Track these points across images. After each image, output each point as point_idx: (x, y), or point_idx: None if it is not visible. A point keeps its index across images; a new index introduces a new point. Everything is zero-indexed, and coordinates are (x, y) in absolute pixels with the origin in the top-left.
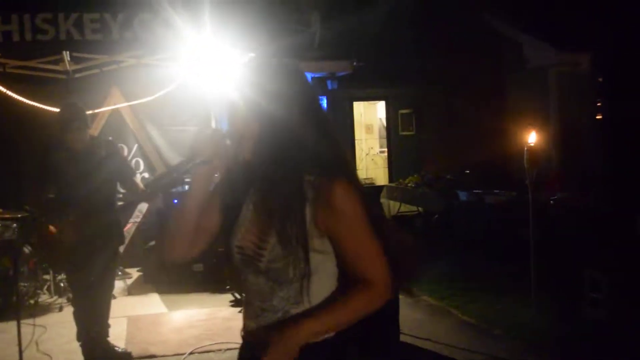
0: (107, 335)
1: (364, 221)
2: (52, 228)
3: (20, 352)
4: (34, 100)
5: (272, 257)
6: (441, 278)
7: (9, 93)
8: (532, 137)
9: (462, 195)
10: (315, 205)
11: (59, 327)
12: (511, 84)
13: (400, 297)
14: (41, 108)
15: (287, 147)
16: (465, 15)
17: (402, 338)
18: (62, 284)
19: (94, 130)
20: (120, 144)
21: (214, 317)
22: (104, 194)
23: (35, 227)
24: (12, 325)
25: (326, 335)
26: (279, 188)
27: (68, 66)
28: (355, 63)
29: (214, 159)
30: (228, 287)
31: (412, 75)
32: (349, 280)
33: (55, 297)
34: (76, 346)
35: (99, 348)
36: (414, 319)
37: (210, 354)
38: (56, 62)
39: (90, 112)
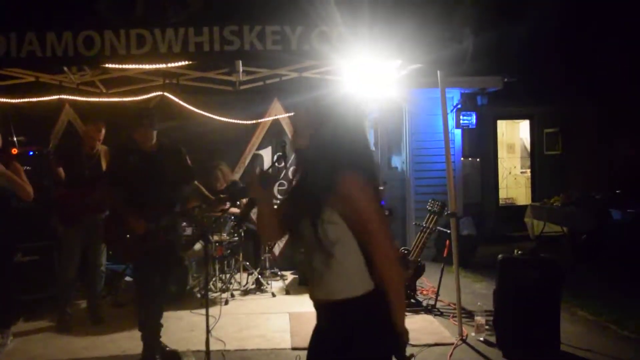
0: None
1: (369, 203)
2: (139, 224)
3: (208, 333)
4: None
5: (306, 231)
6: (597, 295)
7: (185, 105)
8: None
9: (615, 214)
10: (335, 194)
11: (227, 318)
12: None
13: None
14: (210, 118)
15: (331, 147)
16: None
17: (563, 348)
18: (224, 280)
19: (256, 139)
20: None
21: None
22: (167, 194)
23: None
24: (185, 313)
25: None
26: (316, 186)
27: (240, 77)
28: (505, 79)
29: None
30: None
31: (560, 93)
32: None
33: (219, 292)
34: (246, 335)
35: (154, 342)
36: (573, 332)
37: None
38: (229, 74)
39: (253, 122)
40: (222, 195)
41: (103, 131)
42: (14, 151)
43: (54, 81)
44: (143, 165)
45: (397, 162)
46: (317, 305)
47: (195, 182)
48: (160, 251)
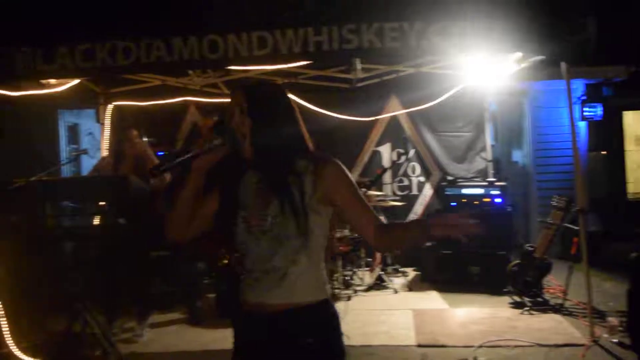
0: None
1: (355, 185)
2: None
3: None
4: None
5: (275, 214)
6: None
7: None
8: None
9: None
10: (316, 175)
11: (351, 314)
12: None
13: None
14: (328, 115)
15: (281, 141)
16: None
17: None
18: (347, 277)
19: (374, 135)
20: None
21: (496, 316)
22: None
23: None
24: None
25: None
26: (277, 168)
27: (358, 74)
28: (632, 68)
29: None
30: (506, 289)
31: None
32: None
33: (341, 289)
34: (370, 331)
35: None
36: None
37: (499, 348)
38: (347, 71)
39: (371, 119)
40: None
41: None
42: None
43: (179, 84)
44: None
45: (517, 156)
46: (269, 314)
47: None
48: None
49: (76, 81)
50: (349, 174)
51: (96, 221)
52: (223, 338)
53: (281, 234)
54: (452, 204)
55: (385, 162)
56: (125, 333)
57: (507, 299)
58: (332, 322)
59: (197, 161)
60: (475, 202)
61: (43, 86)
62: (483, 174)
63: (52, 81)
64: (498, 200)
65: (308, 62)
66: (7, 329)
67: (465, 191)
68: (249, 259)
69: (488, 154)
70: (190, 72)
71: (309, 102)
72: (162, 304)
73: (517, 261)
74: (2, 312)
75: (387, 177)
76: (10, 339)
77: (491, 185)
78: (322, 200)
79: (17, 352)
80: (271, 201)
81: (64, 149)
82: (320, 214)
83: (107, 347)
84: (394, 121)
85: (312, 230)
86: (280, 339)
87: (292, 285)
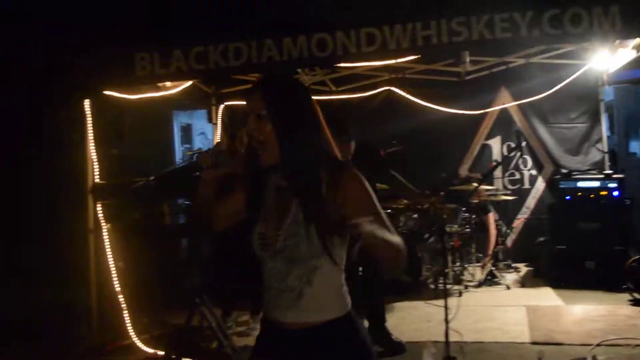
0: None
1: (373, 197)
2: None
3: (447, 324)
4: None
5: (287, 235)
6: None
7: (411, 98)
8: None
9: None
10: (331, 187)
11: (462, 310)
12: None
13: None
14: (436, 110)
15: (307, 150)
16: None
17: None
18: (457, 273)
19: (484, 128)
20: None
21: (615, 313)
22: None
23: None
24: (420, 304)
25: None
26: (302, 180)
27: (467, 67)
28: None
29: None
30: (625, 286)
31: None
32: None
33: (452, 284)
34: (483, 327)
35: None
36: None
37: (619, 347)
38: (455, 65)
39: (480, 112)
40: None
41: None
42: None
43: None
44: None
45: (635, 147)
46: (287, 331)
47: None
48: None
49: (189, 83)
50: (367, 187)
51: None
52: None
53: (294, 255)
54: (567, 197)
55: (496, 155)
56: (240, 327)
57: (626, 296)
58: (353, 337)
59: (205, 173)
60: (591, 196)
61: (159, 88)
62: (599, 166)
63: (168, 83)
64: (615, 193)
65: (416, 56)
66: (129, 321)
67: (580, 184)
68: (266, 275)
69: (604, 145)
70: (299, 70)
71: (417, 96)
72: None
73: (637, 257)
74: (125, 305)
75: (497, 170)
76: (133, 331)
77: (608, 177)
78: (337, 214)
79: (139, 344)
80: (285, 218)
81: (178, 149)
82: (341, 236)
83: (222, 340)
84: (504, 114)
85: (329, 249)
86: (298, 356)
87: (307, 306)
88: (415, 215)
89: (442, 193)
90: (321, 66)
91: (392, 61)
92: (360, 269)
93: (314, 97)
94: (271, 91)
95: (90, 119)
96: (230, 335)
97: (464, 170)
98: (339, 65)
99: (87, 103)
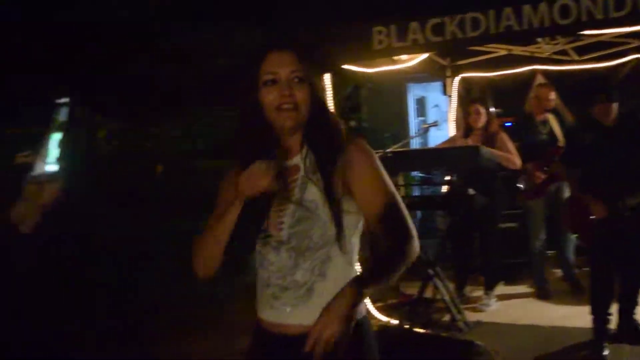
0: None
1: (382, 171)
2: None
3: None
4: None
5: (293, 221)
6: None
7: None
8: None
9: None
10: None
11: None
12: None
13: None
14: None
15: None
16: None
17: None
18: None
19: None
20: None
21: None
22: (632, 170)
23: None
24: None
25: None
26: (327, 155)
27: None
28: None
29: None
30: None
31: None
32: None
33: None
34: None
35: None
36: None
37: None
38: None
39: None
40: None
41: (553, 94)
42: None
43: (525, 52)
44: (603, 142)
45: None
46: (289, 336)
47: None
48: (627, 231)
49: (425, 55)
50: (375, 158)
51: (444, 190)
52: (573, 315)
53: (303, 243)
54: None
55: None
56: (472, 302)
57: None
58: (363, 342)
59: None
60: None
61: (394, 61)
62: None
63: (403, 56)
64: None
65: None
66: None
67: None
68: (263, 272)
69: None
70: (539, 39)
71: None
72: (509, 276)
73: None
74: None
75: None
76: (368, 299)
77: None
78: (346, 192)
79: (374, 311)
80: (289, 203)
81: (413, 122)
82: (349, 211)
83: (455, 313)
84: None
85: (343, 234)
86: None
87: (318, 302)
88: None
89: None
90: (564, 34)
91: None
92: None
93: (555, 67)
94: (307, 56)
95: (331, 92)
96: (463, 310)
97: None
98: (582, 32)
99: (327, 77)
